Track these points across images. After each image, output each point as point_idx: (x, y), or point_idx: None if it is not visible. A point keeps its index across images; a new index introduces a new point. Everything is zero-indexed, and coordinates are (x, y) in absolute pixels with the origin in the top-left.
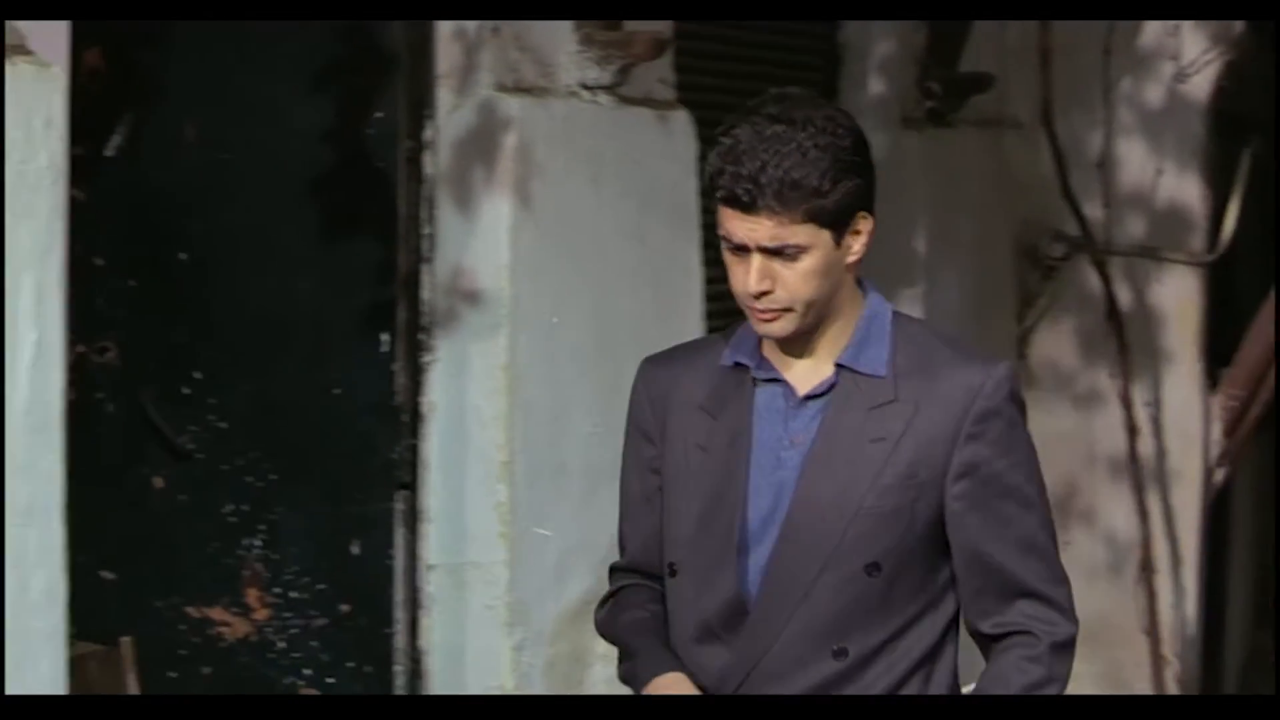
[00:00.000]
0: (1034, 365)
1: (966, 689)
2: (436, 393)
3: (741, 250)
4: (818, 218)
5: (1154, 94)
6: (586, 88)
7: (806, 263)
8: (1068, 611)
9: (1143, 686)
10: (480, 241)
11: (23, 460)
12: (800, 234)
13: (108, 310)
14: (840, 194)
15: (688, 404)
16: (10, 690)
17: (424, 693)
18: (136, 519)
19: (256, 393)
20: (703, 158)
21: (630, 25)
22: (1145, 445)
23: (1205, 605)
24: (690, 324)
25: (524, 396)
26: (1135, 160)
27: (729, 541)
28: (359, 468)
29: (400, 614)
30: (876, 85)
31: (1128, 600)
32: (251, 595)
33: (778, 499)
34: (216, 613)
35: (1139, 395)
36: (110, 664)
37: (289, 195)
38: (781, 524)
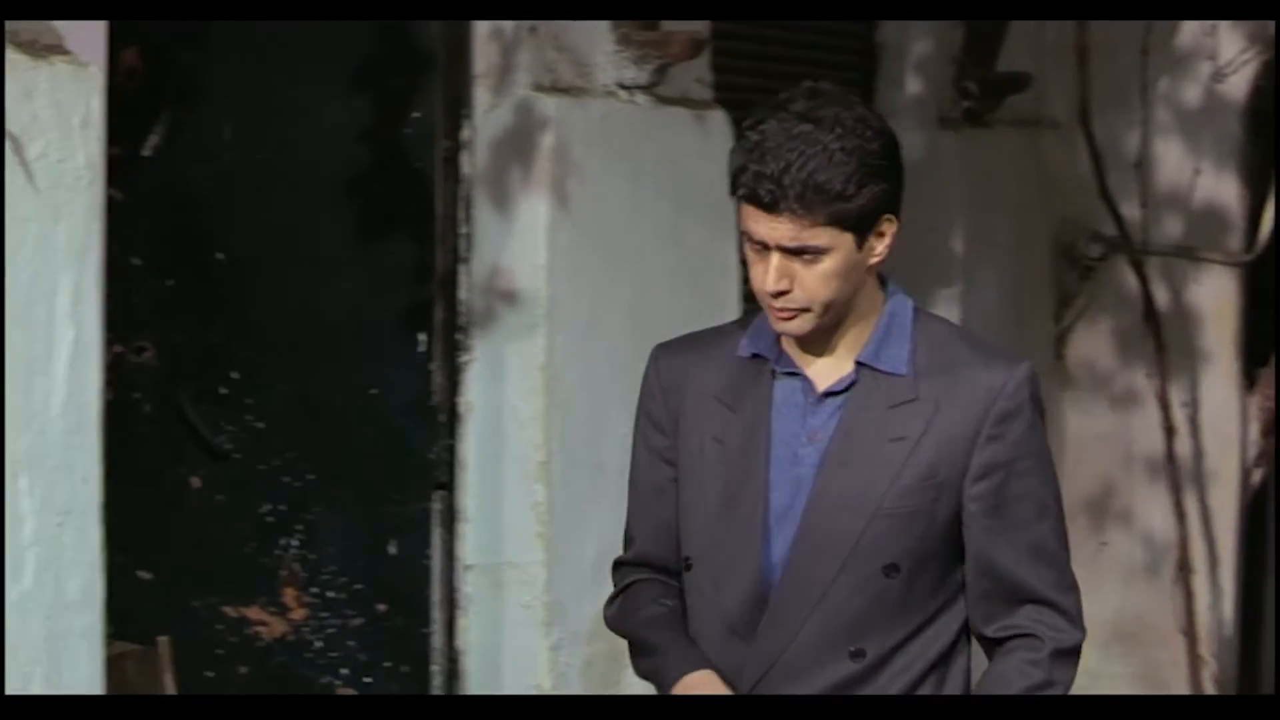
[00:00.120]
0: (1071, 366)
1: None
2: (474, 393)
3: (762, 247)
4: (840, 221)
5: (1191, 94)
6: (624, 87)
7: (827, 265)
8: (1075, 619)
9: (1180, 687)
10: (517, 241)
11: (60, 460)
12: (821, 236)
13: (145, 310)
14: (865, 199)
15: (703, 394)
16: (47, 691)
17: (461, 693)
18: (174, 519)
19: (294, 393)
20: None
21: (667, 25)
22: (1182, 445)
23: (1243, 605)
24: None
25: (561, 396)
26: (1173, 160)
27: (750, 536)
28: (396, 468)
29: (437, 614)
30: (913, 85)
31: (1165, 600)
32: (288, 595)
33: (794, 495)
34: (253, 612)
35: (1176, 395)
36: (147, 664)
37: (326, 195)
38: (799, 522)
